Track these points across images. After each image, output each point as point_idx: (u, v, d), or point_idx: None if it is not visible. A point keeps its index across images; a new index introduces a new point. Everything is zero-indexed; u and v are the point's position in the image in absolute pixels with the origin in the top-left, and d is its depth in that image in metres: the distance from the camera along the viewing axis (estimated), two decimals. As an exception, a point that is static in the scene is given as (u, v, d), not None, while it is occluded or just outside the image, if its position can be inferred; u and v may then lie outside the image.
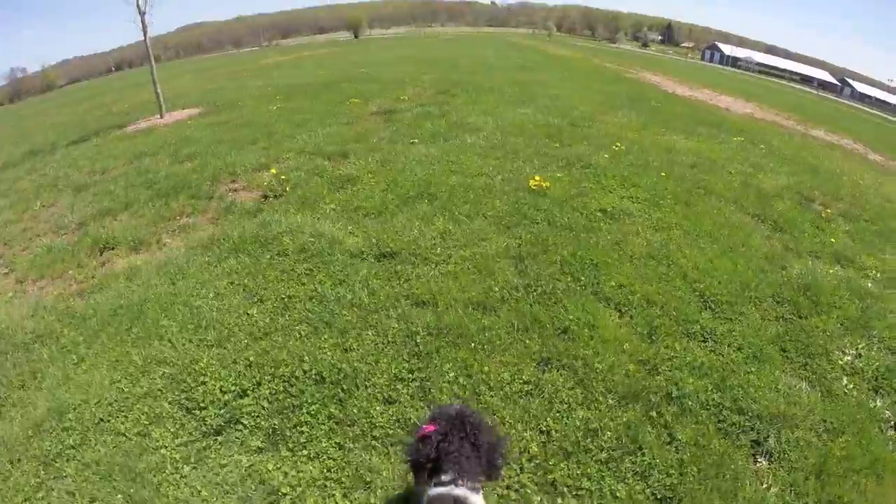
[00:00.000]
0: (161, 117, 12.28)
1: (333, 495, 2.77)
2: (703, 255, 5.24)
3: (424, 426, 2.16)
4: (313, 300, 4.17)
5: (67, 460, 3.00)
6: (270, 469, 2.88)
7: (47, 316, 4.44)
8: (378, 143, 8.03)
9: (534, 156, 7.50)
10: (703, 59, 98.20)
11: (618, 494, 2.84)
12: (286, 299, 4.22)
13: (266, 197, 6.39)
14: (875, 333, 4.55)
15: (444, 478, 2.04)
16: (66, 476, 2.91)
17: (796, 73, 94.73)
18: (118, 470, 2.90)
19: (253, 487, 2.79)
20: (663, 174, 7.31)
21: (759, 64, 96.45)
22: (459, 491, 2.00)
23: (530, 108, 11.23)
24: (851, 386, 3.94)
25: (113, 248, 5.61)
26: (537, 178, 6.36)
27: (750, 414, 3.44)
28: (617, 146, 8.34)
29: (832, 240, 6.24)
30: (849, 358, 4.23)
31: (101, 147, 10.35)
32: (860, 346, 4.37)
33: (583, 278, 4.53)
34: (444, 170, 6.71)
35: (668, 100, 16.87)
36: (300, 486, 2.80)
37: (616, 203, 6.11)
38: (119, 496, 2.77)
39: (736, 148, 10.02)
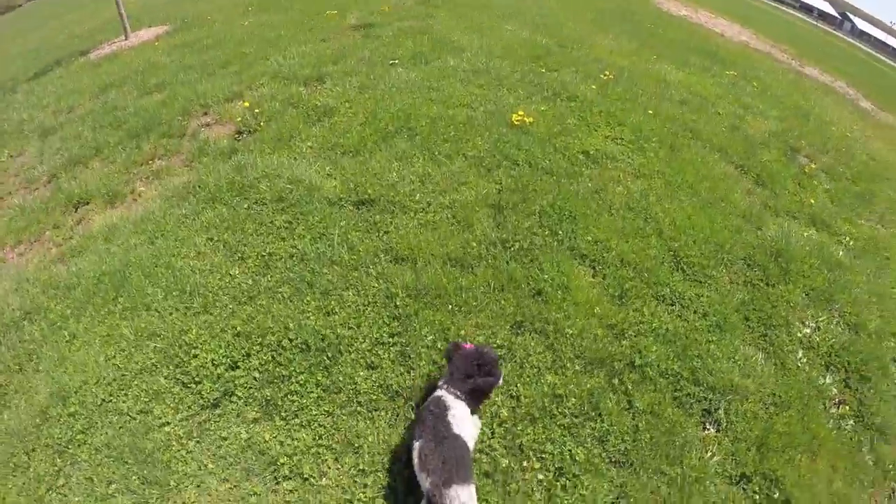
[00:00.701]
0: (126, 39, 11.77)
1: (326, 460, 3.15)
2: (681, 209, 5.40)
3: (465, 344, 3.09)
4: (294, 258, 4.37)
5: (79, 446, 3.33)
6: (267, 439, 3.23)
7: (31, 289, 4.61)
8: (356, 65, 7.85)
9: (518, 83, 7.40)
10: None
11: (577, 458, 3.23)
12: (267, 257, 4.41)
13: (240, 133, 6.39)
14: (837, 307, 4.85)
15: (440, 382, 2.97)
16: (80, 462, 3.25)
17: (797, 1, 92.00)
18: (128, 451, 3.24)
19: (253, 458, 3.16)
20: (651, 112, 7.28)
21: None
22: (440, 392, 2.88)
23: (517, 24, 10.85)
24: (805, 360, 4.28)
25: (87, 203, 5.70)
26: (520, 112, 6.34)
27: (705, 385, 3.79)
28: (605, 74, 8.20)
29: (812, 200, 6.41)
30: (808, 331, 4.53)
31: (64, 80, 10.08)
32: (821, 320, 4.67)
33: (560, 232, 4.71)
34: (424, 99, 6.65)
35: (663, 21, 16.19)
36: (296, 454, 3.16)
37: (600, 144, 6.15)
38: (134, 478, 3.13)
39: (728, 84, 9.91)
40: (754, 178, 6.52)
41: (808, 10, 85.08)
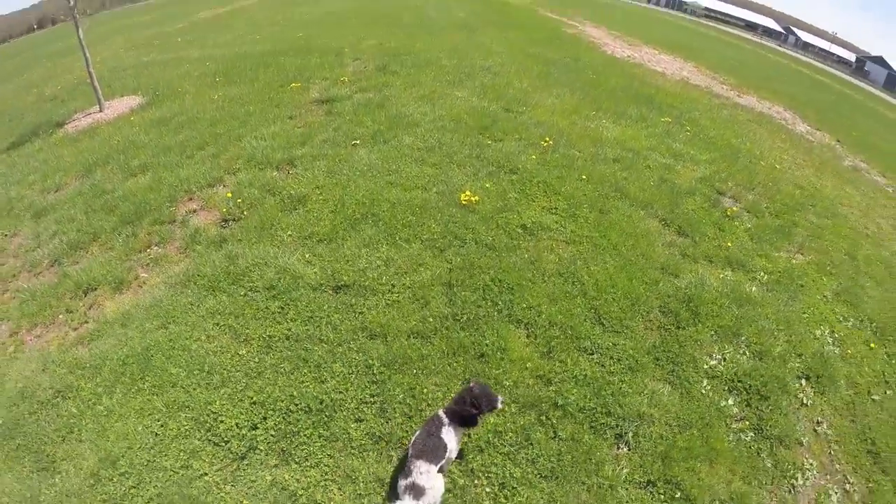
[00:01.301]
0: (101, 111, 12.87)
1: (332, 490, 4.68)
2: (605, 270, 6.97)
3: (474, 384, 4.48)
4: (289, 339, 5.89)
5: (132, 498, 4.69)
6: (287, 478, 4.74)
7: (58, 370, 5.83)
8: (322, 147, 9.39)
9: (466, 158, 8.99)
10: (650, 1, 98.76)
11: (515, 475, 4.86)
12: (267, 338, 5.89)
13: (226, 220, 7.77)
14: (743, 339, 6.45)
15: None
16: None
17: (742, 20, 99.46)
18: (177, 498, 4.65)
19: (278, 493, 4.66)
20: (584, 177, 8.82)
21: (705, 9, 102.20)
22: (440, 412, 4.42)
23: (467, 91, 12.48)
24: (710, 388, 5.88)
25: (95, 290, 6.89)
26: (468, 192, 7.95)
27: (616, 415, 5.41)
28: (546, 141, 9.72)
29: (729, 243, 7.98)
30: (714, 363, 6.15)
31: (45, 154, 11.19)
32: (726, 352, 6.28)
33: (500, 303, 6.33)
34: (385, 182, 8.24)
35: (605, 67, 17.84)
36: (309, 487, 4.68)
37: (536, 216, 7.75)
38: (183, 519, 4.57)
39: (661, 133, 11.36)
40: (676, 229, 8.09)
41: (753, 28, 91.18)
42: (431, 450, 4.26)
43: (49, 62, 24.34)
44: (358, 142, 9.52)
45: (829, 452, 5.72)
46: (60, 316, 6.67)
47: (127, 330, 6.21)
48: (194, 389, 5.46)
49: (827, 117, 19.60)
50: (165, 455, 4.95)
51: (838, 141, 16.50)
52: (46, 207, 8.88)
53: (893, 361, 6.93)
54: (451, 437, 4.42)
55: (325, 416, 5.19)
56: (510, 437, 5.14)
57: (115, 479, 4.81)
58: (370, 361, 5.64)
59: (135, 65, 18.54)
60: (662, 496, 4.93)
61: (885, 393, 6.50)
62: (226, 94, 12.90)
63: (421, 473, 4.15)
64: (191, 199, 8.43)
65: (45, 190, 9.55)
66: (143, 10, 51.04)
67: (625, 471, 5.07)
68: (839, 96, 34.27)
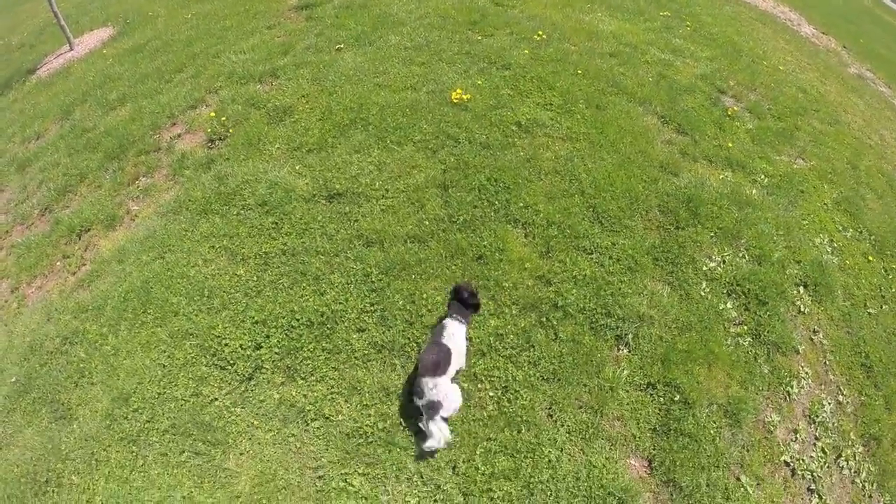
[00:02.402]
0: (71, 49, 12.45)
1: (339, 402, 4.71)
2: (602, 168, 6.73)
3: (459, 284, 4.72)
4: (286, 254, 5.78)
5: (148, 433, 4.79)
6: (294, 395, 4.76)
7: (62, 317, 5.87)
8: (305, 54, 8.97)
9: (456, 56, 8.54)
10: None
11: (517, 378, 4.88)
12: (264, 256, 5.80)
13: (212, 141, 7.56)
14: (743, 242, 6.29)
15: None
16: (153, 443, 4.73)
17: None
18: (190, 426, 4.74)
19: (286, 410, 4.71)
20: (580, 72, 8.36)
21: None
22: (446, 320, 4.56)
23: None
24: (709, 290, 5.78)
25: (89, 230, 6.84)
26: (458, 90, 7.60)
27: (616, 317, 5.36)
28: (539, 35, 9.18)
29: (730, 143, 7.64)
30: (713, 265, 6.01)
31: (21, 105, 10.92)
32: (726, 254, 6.13)
33: (496, 202, 6.14)
34: (372, 85, 7.88)
35: None
36: (316, 402, 4.72)
37: (531, 113, 7.41)
38: (199, 443, 4.65)
39: (660, 28, 10.62)
40: (676, 126, 7.76)
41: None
42: (439, 362, 4.29)
43: (9, 12, 23.41)
44: (342, 46, 9.09)
45: (824, 362, 5.72)
46: (58, 263, 6.66)
47: (124, 266, 6.17)
48: (196, 316, 5.42)
49: (834, 21, 18.39)
50: (175, 385, 5.00)
51: (844, 47, 15.57)
52: (29, 157, 8.72)
53: (890, 276, 6.85)
54: (458, 338, 4.46)
55: (327, 328, 5.14)
56: (511, 340, 5.12)
57: (129, 417, 4.91)
58: (368, 269, 5.53)
59: (99, -5, 17.73)
60: (662, 399, 4.98)
61: (882, 307, 6.46)
62: (199, 12, 12.33)
63: (431, 389, 4.20)
64: (174, 125, 8.21)
65: (26, 140, 9.34)
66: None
67: (625, 373, 5.08)
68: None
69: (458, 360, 4.53)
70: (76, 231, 6.87)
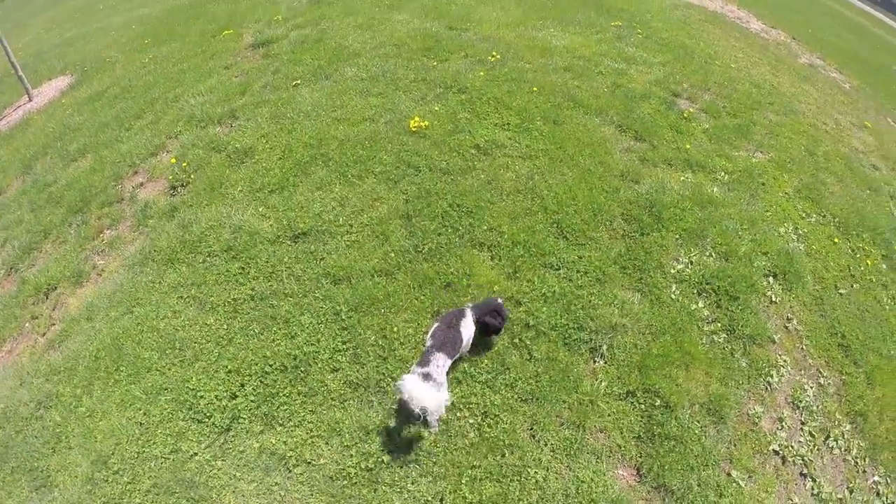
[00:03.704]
0: (30, 100, 12.27)
1: (319, 446, 4.64)
2: (563, 182, 6.77)
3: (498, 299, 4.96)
4: (254, 299, 5.72)
5: (131, 494, 4.65)
6: (274, 442, 4.68)
7: (35, 381, 5.70)
8: (262, 93, 8.96)
9: (413, 83, 8.58)
10: None
11: (495, 402, 4.86)
12: (232, 302, 5.73)
13: (174, 188, 7.46)
14: (709, 241, 6.36)
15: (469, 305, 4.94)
16: None
17: None
18: (173, 484, 4.61)
19: (268, 459, 4.61)
20: (535, 89, 8.44)
21: None
22: (466, 308, 4.78)
23: (407, 13, 11.69)
24: (678, 292, 5.83)
25: (56, 288, 6.70)
26: (416, 118, 7.61)
27: (589, 329, 5.38)
28: (493, 56, 9.27)
29: (687, 145, 7.74)
30: (681, 266, 6.07)
31: None
32: (692, 255, 6.20)
33: (460, 228, 6.15)
34: (331, 120, 7.88)
35: None
36: (297, 447, 4.63)
37: (489, 134, 7.44)
38: (183, 501, 4.52)
39: (612, 38, 10.79)
40: (633, 134, 7.84)
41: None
42: (451, 342, 4.48)
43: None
44: (299, 81, 9.10)
45: (801, 348, 5.78)
46: (27, 324, 6.50)
47: (94, 323, 6.05)
48: (169, 369, 5.34)
49: (782, 14, 18.82)
50: (153, 443, 4.89)
51: (794, 38, 15.92)
52: None
53: (858, 255, 6.96)
54: (468, 332, 4.65)
55: (301, 371, 5.09)
56: (486, 365, 5.11)
57: (110, 479, 4.77)
58: (337, 308, 5.49)
59: (58, 44, 17.56)
60: (643, 406, 4.99)
61: (852, 286, 6.55)
62: (156, 56, 12.25)
63: (438, 367, 4.32)
64: (136, 173, 8.10)
65: None
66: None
67: (603, 384, 5.09)
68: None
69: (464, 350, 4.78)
70: (43, 290, 6.73)
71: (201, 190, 7.24)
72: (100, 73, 12.53)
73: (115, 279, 6.48)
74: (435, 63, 9.22)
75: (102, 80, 11.96)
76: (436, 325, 4.67)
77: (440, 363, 4.39)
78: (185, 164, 7.76)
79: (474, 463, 4.57)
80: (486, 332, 4.86)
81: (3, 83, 14.70)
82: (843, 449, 5.26)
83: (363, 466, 4.53)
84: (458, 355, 4.72)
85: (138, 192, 7.71)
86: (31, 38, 21.55)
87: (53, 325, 6.36)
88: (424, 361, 4.39)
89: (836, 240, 7.00)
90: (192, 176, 7.57)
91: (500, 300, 4.93)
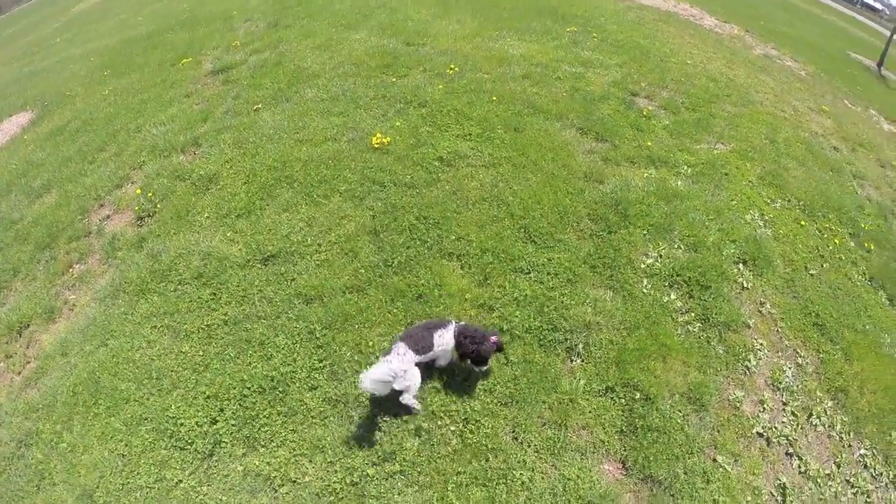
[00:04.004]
0: None
1: (303, 464, 4.67)
2: (528, 188, 6.92)
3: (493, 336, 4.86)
4: (227, 324, 5.74)
5: None
6: (257, 464, 4.70)
7: (14, 420, 5.68)
8: (224, 119, 9.00)
9: (373, 100, 8.69)
10: None
11: (475, 408, 4.93)
12: (206, 329, 5.74)
13: (141, 218, 7.45)
14: (676, 234, 6.51)
15: (456, 322, 4.89)
16: None
17: None
18: None
19: (252, 481, 4.63)
20: (495, 98, 8.61)
21: None
22: (452, 323, 4.79)
23: (364, 31, 11.85)
24: (650, 286, 5.96)
25: (28, 326, 6.65)
26: (378, 134, 7.72)
27: (563, 329, 5.49)
28: (451, 69, 9.44)
29: (649, 143, 7.94)
30: (650, 261, 6.22)
31: None
32: (661, 249, 6.34)
33: (429, 240, 6.24)
34: (294, 141, 7.94)
35: None
36: (281, 467, 4.66)
37: (452, 146, 7.58)
38: (171, 530, 4.52)
39: (568, 43, 11.06)
40: (594, 135, 8.02)
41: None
42: (420, 341, 4.57)
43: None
44: (260, 106, 9.15)
45: (777, 330, 5.93)
46: (1, 364, 6.44)
47: (69, 358, 6.02)
48: (148, 399, 5.33)
49: (734, 9, 19.39)
50: (137, 473, 4.88)
51: (747, 31, 16.45)
52: None
53: (825, 236, 7.18)
54: (446, 342, 4.73)
55: (280, 392, 5.11)
56: (463, 372, 5.16)
57: (96, 515, 4.74)
58: (311, 326, 5.53)
59: (17, 79, 17.44)
60: (623, 400, 5.09)
61: (822, 266, 6.75)
62: (116, 87, 12.20)
63: (398, 354, 4.43)
64: (102, 206, 8.07)
65: None
66: (16, 18, 47.60)
67: (582, 382, 5.17)
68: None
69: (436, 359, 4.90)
70: (16, 328, 6.68)
71: (168, 219, 7.24)
72: (60, 107, 12.44)
73: (87, 313, 6.46)
74: (394, 79, 9.33)
75: (63, 114, 11.88)
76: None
77: (401, 350, 4.47)
78: (150, 194, 7.75)
79: (459, 469, 4.63)
80: (461, 354, 4.86)
81: (-36, 126, 14.54)
82: (826, 426, 5.38)
83: (348, 481, 4.57)
84: (425, 358, 4.75)
85: (105, 225, 7.69)
86: (-13, 73, 21.37)
87: (29, 362, 6.31)
88: (387, 351, 4.57)
89: (802, 222, 7.20)
90: (158, 205, 7.56)
91: (495, 336, 4.91)
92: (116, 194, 8.12)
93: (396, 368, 4.39)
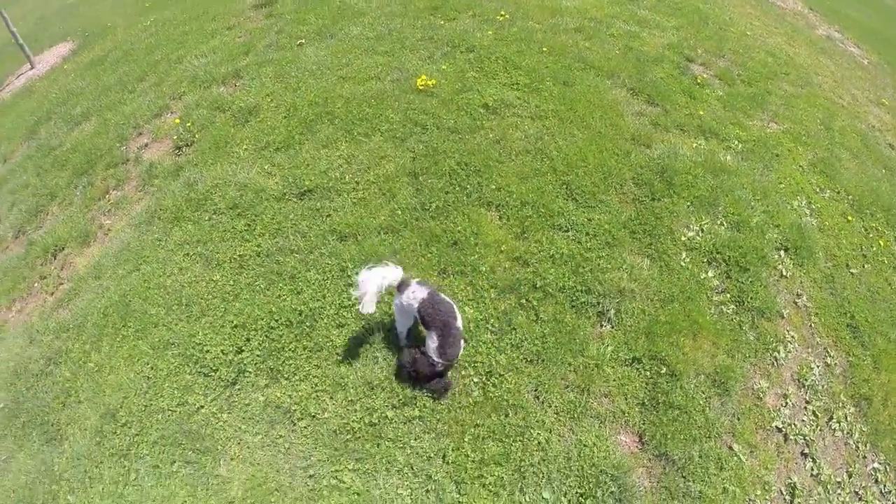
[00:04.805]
0: (32, 67, 12.35)
1: (324, 400, 4.70)
2: (573, 144, 6.71)
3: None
4: (260, 255, 5.75)
5: (138, 445, 4.77)
6: (279, 396, 4.75)
7: (44, 338, 5.85)
8: (266, 52, 8.90)
9: (420, 42, 8.50)
10: None
11: (501, 362, 4.89)
12: (238, 259, 5.77)
13: (179, 148, 7.50)
14: (720, 210, 6.27)
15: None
16: (143, 456, 4.71)
17: None
18: (179, 435, 4.71)
19: (273, 412, 4.69)
20: (545, 49, 8.33)
21: None
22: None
23: None
24: (689, 260, 5.78)
25: (63, 249, 6.81)
26: (423, 76, 7.55)
27: (597, 293, 5.37)
28: (502, 15, 9.13)
29: (701, 111, 7.60)
30: (692, 234, 6.01)
31: None
32: (704, 223, 6.12)
33: (468, 186, 6.14)
34: (336, 78, 7.84)
35: None
36: (302, 401, 4.70)
37: (498, 94, 7.37)
38: (189, 452, 4.63)
39: (625, 0, 10.52)
40: (645, 98, 7.72)
41: None
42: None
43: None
44: (303, 41, 9.02)
45: (810, 325, 5.72)
46: (36, 284, 6.63)
47: (101, 281, 6.14)
48: (176, 325, 5.40)
49: None
50: (161, 396, 4.98)
51: (811, 9, 15.51)
52: None
53: (870, 235, 6.85)
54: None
55: (307, 327, 5.12)
56: (493, 324, 5.11)
57: (118, 432, 4.89)
58: (343, 264, 5.51)
59: (59, 10, 17.50)
60: (648, 373, 4.98)
61: (864, 267, 6.46)
62: (158, 19, 12.20)
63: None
64: (140, 134, 8.13)
65: None
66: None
67: (609, 349, 5.07)
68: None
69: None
70: (51, 251, 6.82)
71: (206, 149, 7.24)
72: (101, 38, 12.52)
73: (121, 238, 6.56)
74: (442, 22, 9.12)
75: (104, 45, 11.96)
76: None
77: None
78: (189, 124, 7.77)
79: (478, 422, 4.61)
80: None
81: (4, 54, 14.71)
82: (845, 432, 5.22)
83: (367, 421, 4.59)
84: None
85: (143, 153, 7.75)
86: (32, 5, 21.41)
87: (62, 284, 6.47)
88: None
89: (849, 217, 6.89)
90: (196, 135, 7.57)
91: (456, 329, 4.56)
92: (155, 123, 8.16)
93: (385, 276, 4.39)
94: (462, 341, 4.59)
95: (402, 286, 4.50)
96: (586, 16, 9.58)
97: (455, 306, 4.55)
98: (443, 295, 4.56)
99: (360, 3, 9.86)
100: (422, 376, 4.60)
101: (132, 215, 6.81)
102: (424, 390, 4.69)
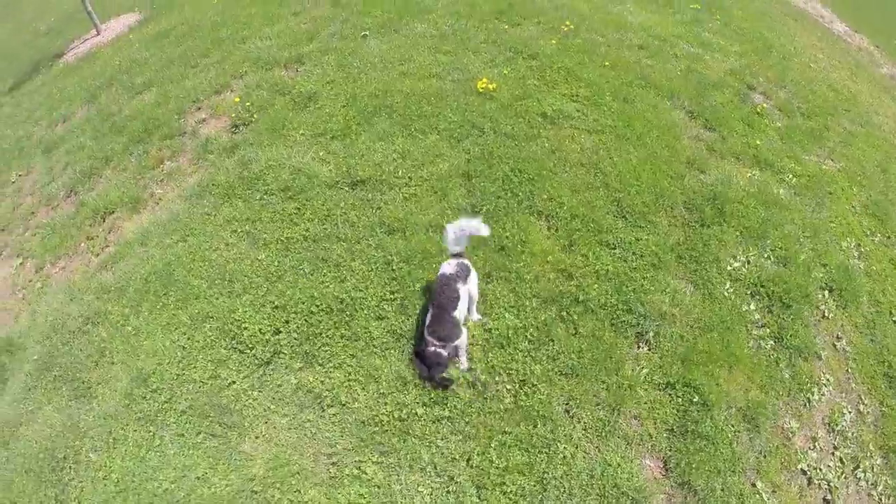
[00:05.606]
0: (98, 34, 12.62)
1: (356, 390, 4.74)
2: (628, 162, 6.64)
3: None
4: (307, 239, 5.82)
5: (166, 413, 4.88)
6: (311, 380, 4.81)
7: (85, 297, 6.01)
8: (330, 41, 8.98)
9: (483, 45, 8.50)
10: None
11: (535, 372, 4.87)
12: (285, 241, 5.84)
13: (236, 126, 7.59)
14: (769, 243, 6.15)
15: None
16: (170, 424, 4.82)
17: None
18: (208, 408, 4.81)
19: (303, 396, 4.76)
20: (607, 63, 8.25)
21: None
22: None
23: None
24: (732, 290, 5.68)
25: (113, 213, 6.97)
26: (485, 79, 7.56)
27: (637, 313, 5.31)
28: (566, 25, 9.07)
29: (758, 141, 7.46)
30: (738, 265, 5.90)
31: (48, 87, 11.13)
32: (750, 255, 6.01)
33: (520, 193, 6.13)
34: (398, 73, 7.88)
35: None
36: (333, 388, 4.76)
37: (557, 104, 7.33)
38: (216, 426, 4.72)
39: (690, 21, 10.42)
40: (703, 122, 7.61)
41: None
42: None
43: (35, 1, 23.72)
44: (367, 32, 9.08)
45: (847, 370, 5.57)
46: (82, 244, 6.80)
47: (147, 248, 6.27)
48: (217, 299, 5.49)
49: (865, 17, 17.93)
50: (194, 367, 5.08)
51: (877, 46, 15.07)
52: (56, 140, 8.93)
53: None
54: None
55: (347, 315, 5.17)
56: (531, 334, 5.09)
57: (148, 397, 5.00)
58: (389, 257, 5.55)
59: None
60: (680, 399, 4.92)
61: None
62: (225, -1, 12.41)
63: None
64: (199, 109, 8.26)
65: (53, 123, 9.57)
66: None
67: (644, 371, 5.03)
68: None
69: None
70: (100, 213, 6.99)
71: (263, 130, 7.33)
72: (168, 12, 12.75)
73: (171, 208, 6.68)
74: (506, 27, 9.10)
75: (170, 19, 12.16)
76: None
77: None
78: (248, 104, 7.86)
79: (506, 429, 4.61)
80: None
81: (73, 19, 15.16)
82: (870, 482, 5.06)
83: (396, 416, 4.61)
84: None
85: (200, 128, 7.87)
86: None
87: (107, 247, 6.62)
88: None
89: (898, 264, 6.69)
90: (254, 115, 7.66)
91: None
92: (214, 100, 8.28)
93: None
94: (460, 330, 4.60)
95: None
96: (650, 33, 9.48)
97: (461, 297, 4.59)
98: (460, 283, 4.60)
99: (428, 0, 9.89)
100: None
101: (184, 187, 6.92)
102: (425, 379, 4.72)
